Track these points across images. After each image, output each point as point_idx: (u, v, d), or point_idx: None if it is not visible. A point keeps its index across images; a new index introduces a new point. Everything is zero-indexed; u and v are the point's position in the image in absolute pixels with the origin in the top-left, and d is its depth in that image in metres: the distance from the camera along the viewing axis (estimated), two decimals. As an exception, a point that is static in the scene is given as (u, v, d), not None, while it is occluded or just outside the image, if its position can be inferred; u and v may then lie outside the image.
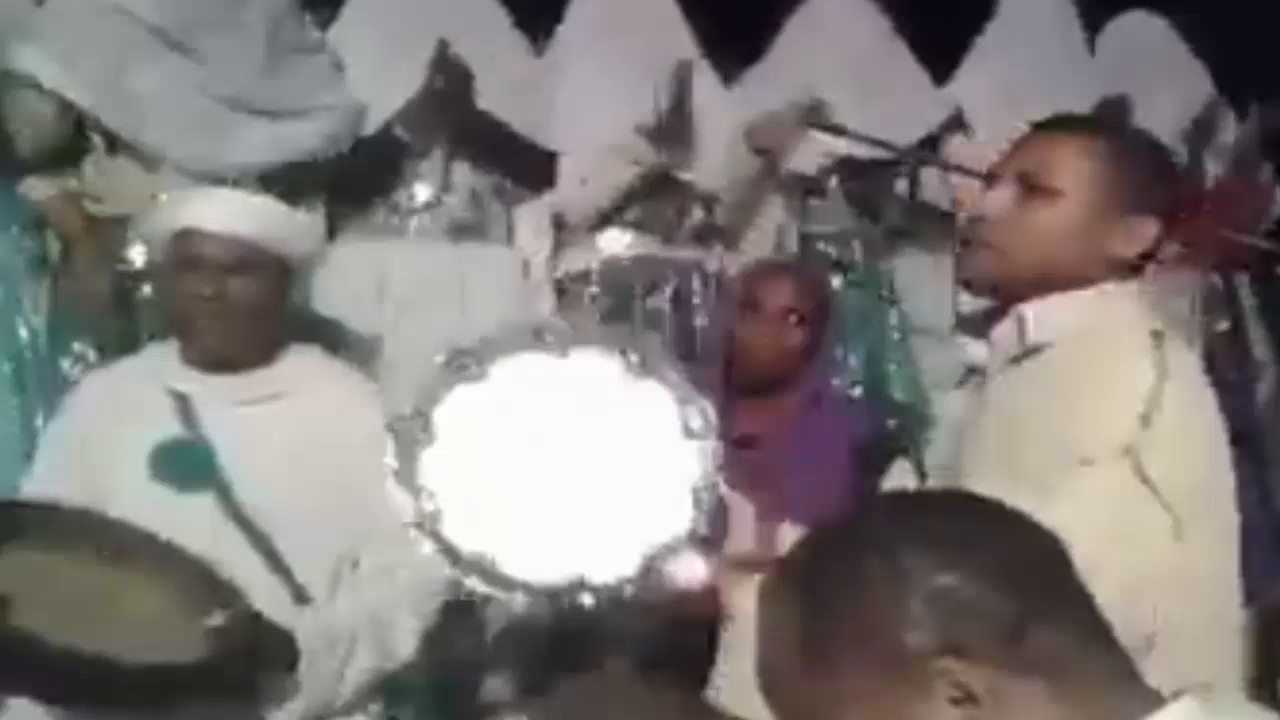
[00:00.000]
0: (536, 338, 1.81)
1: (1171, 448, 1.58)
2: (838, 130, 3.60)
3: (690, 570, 1.69)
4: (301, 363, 2.60)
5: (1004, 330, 1.74)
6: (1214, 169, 4.40)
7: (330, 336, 3.13)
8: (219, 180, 2.96)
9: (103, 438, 2.49)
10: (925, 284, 3.82)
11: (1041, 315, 1.70)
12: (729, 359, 2.92)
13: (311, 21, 3.50)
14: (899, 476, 2.78)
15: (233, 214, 2.53)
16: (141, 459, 2.44)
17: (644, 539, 1.70)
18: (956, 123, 4.01)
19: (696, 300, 3.71)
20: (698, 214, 3.76)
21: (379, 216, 3.56)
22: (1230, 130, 4.45)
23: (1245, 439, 2.97)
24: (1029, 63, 3.96)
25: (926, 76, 4.04)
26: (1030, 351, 1.70)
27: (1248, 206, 4.35)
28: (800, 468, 2.67)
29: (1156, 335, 1.66)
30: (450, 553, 1.71)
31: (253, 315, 2.51)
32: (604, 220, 3.68)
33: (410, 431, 1.75)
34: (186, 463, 2.45)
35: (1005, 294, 1.74)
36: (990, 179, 1.78)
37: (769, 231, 3.85)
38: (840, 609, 1.09)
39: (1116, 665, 1.09)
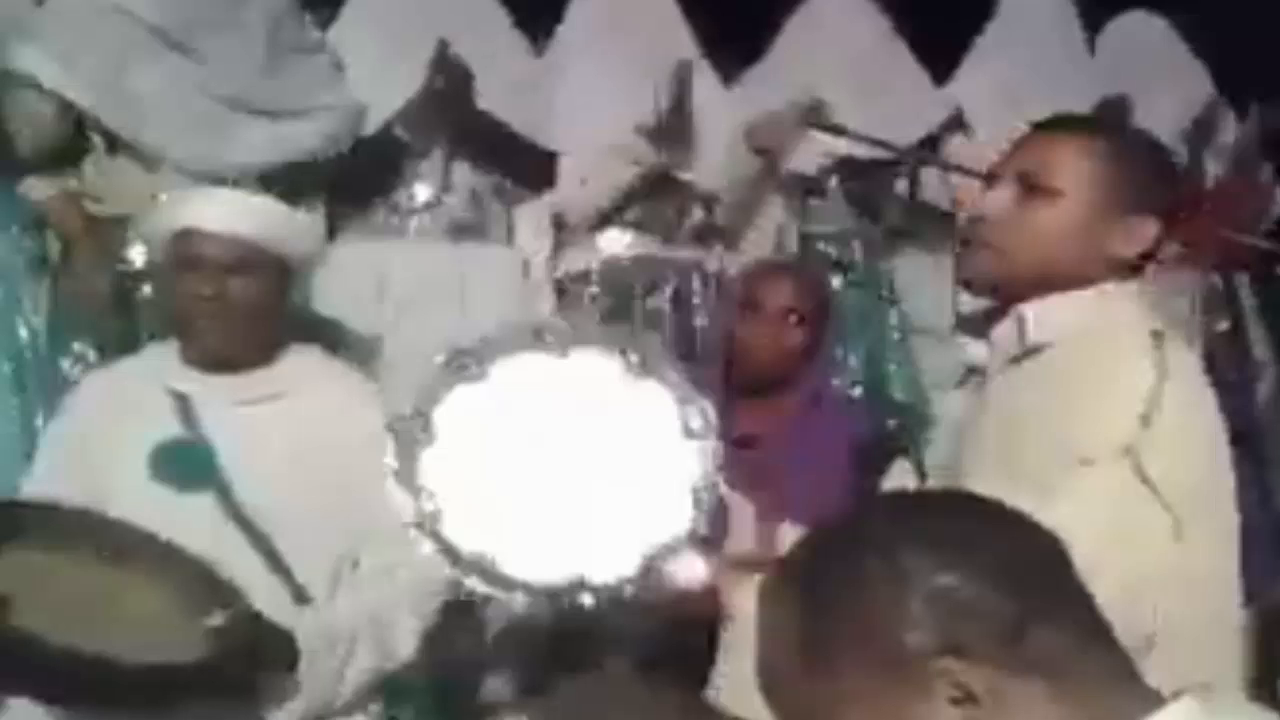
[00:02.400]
0: (536, 338, 1.81)
1: (1171, 448, 1.59)
2: (838, 130, 3.60)
3: (690, 570, 1.69)
4: (301, 363, 2.60)
5: (1004, 330, 1.74)
6: (1214, 169, 4.40)
7: (330, 336, 3.13)
8: (219, 180, 2.96)
9: (103, 438, 2.49)
10: (925, 284, 3.82)
11: (1041, 315, 1.70)
12: (729, 359, 2.92)
13: (311, 21, 3.49)
14: (899, 476, 2.78)
15: (233, 214, 2.53)
16: (141, 459, 2.44)
17: (644, 539, 1.70)
18: (956, 123, 4.01)
19: (696, 300, 3.71)
20: (698, 214, 3.76)
21: (379, 216, 3.56)
22: (1230, 130, 4.45)
23: (1245, 439, 2.97)
24: (1029, 63, 3.96)
25: (926, 76, 4.04)
26: (1030, 351, 1.70)
27: (1248, 206, 4.35)
28: (800, 468, 2.67)
29: (1156, 335, 1.66)
30: (450, 553, 1.71)
31: (253, 315, 2.51)
32: (604, 220, 3.68)
33: (410, 431, 1.75)
34: (186, 463, 2.45)
35: (1005, 294, 1.74)
36: (990, 179, 1.78)
37: (769, 231, 3.85)
38: (840, 609, 1.09)
39: (1116, 665, 1.09)
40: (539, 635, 2.78)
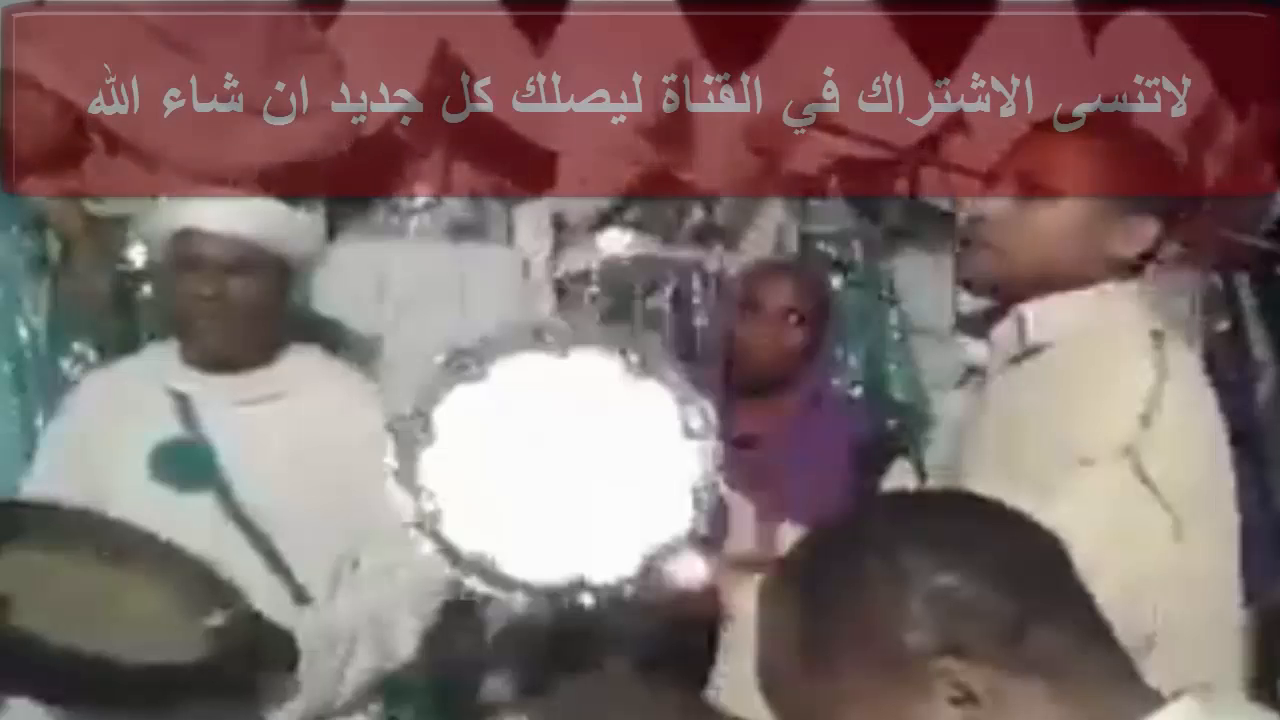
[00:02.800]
0: (536, 338, 1.81)
1: (1171, 448, 1.59)
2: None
3: (690, 570, 1.69)
4: (301, 363, 2.60)
5: (1004, 330, 1.74)
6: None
7: (330, 336, 3.13)
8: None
9: (103, 438, 2.49)
10: (925, 284, 3.82)
11: (1041, 315, 1.70)
12: (729, 359, 2.93)
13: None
14: (899, 476, 2.78)
15: (233, 214, 2.53)
16: (141, 459, 2.44)
17: (644, 539, 1.70)
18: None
19: (696, 300, 3.71)
20: (698, 214, 3.77)
21: (379, 216, 3.56)
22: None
23: (1245, 439, 2.96)
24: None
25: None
26: (1030, 351, 1.70)
27: (1248, 206, 4.35)
28: (800, 468, 2.67)
29: (1156, 335, 1.66)
30: (450, 553, 1.71)
31: (253, 315, 2.51)
32: (604, 220, 3.68)
33: (410, 431, 1.75)
34: (186, 463, 2.45)
35: (1005, 294, 1.74)
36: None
37: (769, 231, 3.85)
38: (840, 609, 1.09)
39: (1116, 665, 1.09)
40: (539, 635, 2.78)
